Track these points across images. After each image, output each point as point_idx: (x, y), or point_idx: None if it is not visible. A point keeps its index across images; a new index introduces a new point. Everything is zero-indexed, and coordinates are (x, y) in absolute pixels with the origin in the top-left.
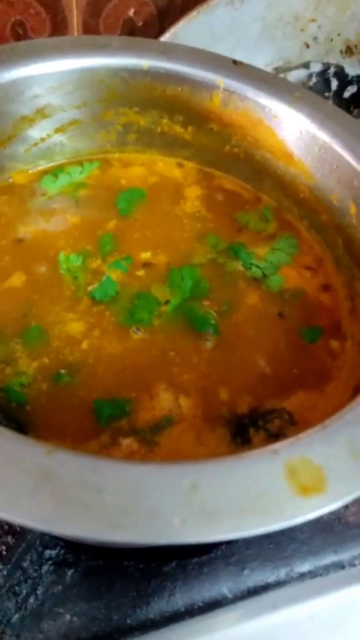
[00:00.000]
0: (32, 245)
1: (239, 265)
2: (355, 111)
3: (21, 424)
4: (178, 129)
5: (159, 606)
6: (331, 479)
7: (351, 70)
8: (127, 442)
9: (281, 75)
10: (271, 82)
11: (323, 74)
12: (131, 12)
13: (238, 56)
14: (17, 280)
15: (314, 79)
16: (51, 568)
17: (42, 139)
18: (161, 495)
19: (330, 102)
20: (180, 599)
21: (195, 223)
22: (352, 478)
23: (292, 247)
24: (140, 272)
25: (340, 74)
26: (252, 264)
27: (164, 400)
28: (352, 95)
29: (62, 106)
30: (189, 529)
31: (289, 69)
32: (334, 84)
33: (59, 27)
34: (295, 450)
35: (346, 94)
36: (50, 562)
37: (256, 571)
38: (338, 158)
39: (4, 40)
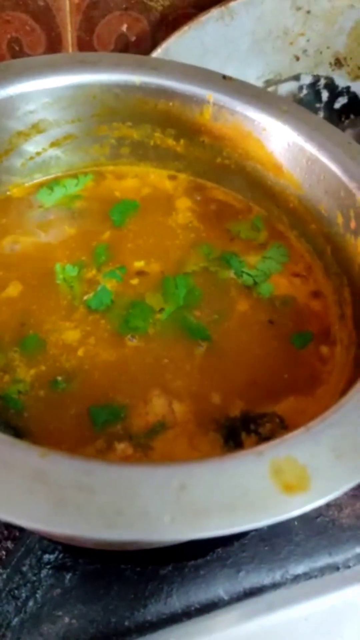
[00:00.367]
0: (29, 257)
1: (230, 274)
2: (347, 121)
3: (18, 431)
4: (170, 142)
5: (156, 608)
6: (315, 477)
7: (341, 82)
8: (122, 447)
9: (272, 87)
10: (259, 96)
11: (313, 86)
12: (124, 27)
13: (229, 70)
14: (13, 290)
15: (304, 91)
16: (50, 572)
17: (38, 153)
18: (152, 495)
19: (321, 114)
20: (177, 601)
21: (187, 233)
22: (335, 477)
23: (283, 256)
24: (135, 281)
25: (331, 85)
26: (243, 272)
27: (158, 406)
28: (343, 106)
29: (57, 121)
30: (179, 526)
31: (280, 82)
32: (325, 95)
33: (54, 43)
34: (280, 450)
35: (337, 105)
36: (49, 566)
37: (252, 573)
38: (325, 169)
39: (0, 56)
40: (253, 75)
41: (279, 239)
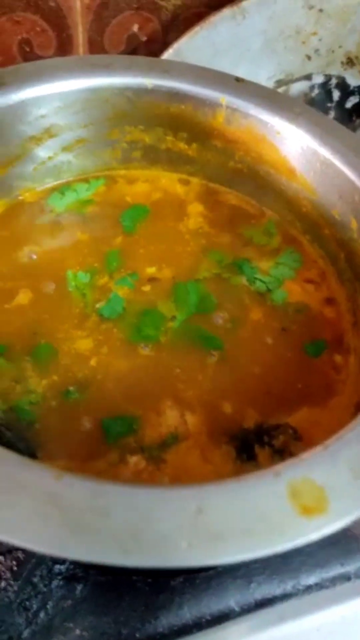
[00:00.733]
0: (41, 263)
1: (243, 280)
2: (358, 121)
3: (30, 443)
4: (182, 145)
5: (167, 620)
6: (333, 499)
7: (352, 81)
8: (134, 460)
9: (283, 87)
10: (273, 98)
11: (325, 86)
12: (135, 27)
13: (240, 70)
14: (23, 297)
15: (316, 90)
16: (61, 583)
17: (50, 158)
18: (168, 519)
19: (332, 114)
20: (188, 613)
21: (199, 238)
22: (353, 498)
23: (296, 262)
24: (146, 288)
25: (342, 85)
26: (256, 278)
27: (170, 417)
28: (354, 106)
29: (69, 125)
30: (196, 552)
31: (291, 81)
32: (336, 94)
33: (64, 44)
34: (297, 471)
35: (348, 105)
36: (60, 577)
37: (263, 584)
38: (339, 173)
39: (11, 57)
40: (264, 75)
41: (292, 244)
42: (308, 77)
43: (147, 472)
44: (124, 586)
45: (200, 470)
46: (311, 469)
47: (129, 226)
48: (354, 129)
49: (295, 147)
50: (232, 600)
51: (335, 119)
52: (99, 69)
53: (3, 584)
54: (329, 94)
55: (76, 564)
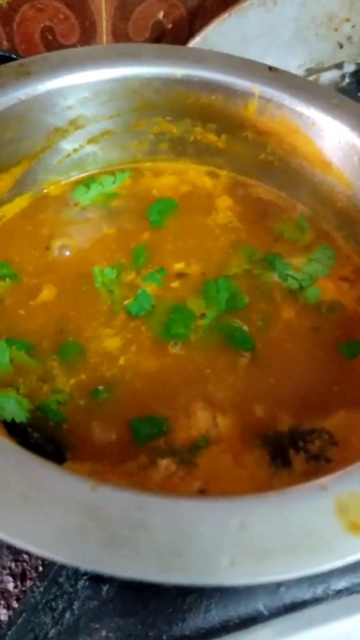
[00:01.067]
0: (66, 258)
1: (274, 277)
2: None
3: (59, 444)
4: (211, 137)
5: (194, 622)
6: None
7: None
8: (165, 464)
9: (314, 76)
10: (308, 89)
11: (357, 74)
12: (160, 14)
13: (270, 58)
14: (48, 293)
15: (347, 80)
16: (87, 583)
17: (75, 150)
18: (210, 534)
19: None
20: (216, 615)
21: (228, 232)
22: None
23: (330, 258)
24: (175, 284)
25: None
26: (288, 275)
27: (201, 419)
28: None
29: (95, 117)
30: (239, 570)
31: (322, 70)
32: None
33: (88, 31)
34: (344, 485)
35: None
36: (85, 577)
37: (293, 588)
38: None
39: (33, 45)
40: (294, 64)
41: (325, 240)
42: (339, 65)
43: (177, 477)
44: (151, 587)
45: (233, 475)
46: (359, 483)
47: (157, 220)
48: None
49: (332, 139)
50: (260, 603)
51: None
52: (126, 58)
53: (29, 583)
54: None
55: None
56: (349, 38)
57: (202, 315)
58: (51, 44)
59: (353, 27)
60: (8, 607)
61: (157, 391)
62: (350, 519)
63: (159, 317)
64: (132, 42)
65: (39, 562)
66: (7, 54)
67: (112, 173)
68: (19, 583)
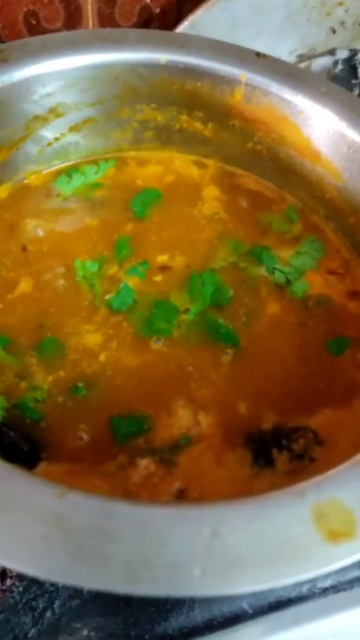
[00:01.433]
0: (46, 251)
1: (261, 270)
2: None
3: (35, 444)
4: (197, 125)
5: (177, 622)
6: None
7: None
8: (144, 463)
9: (305, 62)
10: (297, 76)
11: (350, 61)
12: None
13: (260, 44)
14: (26, 286)
15: (339, 66)
16: None
17: (56, 139)
18: (181, 543)
19: (356, 91)
20: (199, 614)
21: (215, 224)
22: None
23: (318, 251)
24: (158, 278)
25: None
26: (275, 268)
27: (183, 418)
28: None
29: (77, 104)
30: (210, 581)
31: (314, 56)
32: None
33: (73, 16)
34: (323, 491)
35: None
36: None
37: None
38: None
39: (17, 30)
40: (285, 50)
41: (314, 232)
42: (332, 51)
43: (157, 476)
44: None
45: (214, 475)
46: (339, 488)
47: (140, 212)
48: None
49: (321, 128)
50: (244, 602)
51: None
52: (109, 43)
53: (9, 582)
54: (353, 70)
55: None
56: (342, 23)
57: (186, 310)
58: (35, 29)
59: (346, 11)
60: None
61: (138, 388)
62: (329, 527)
63: (141, 312)
64: (118, 27)
65: None
66: None
67: (96, 162)
68: None
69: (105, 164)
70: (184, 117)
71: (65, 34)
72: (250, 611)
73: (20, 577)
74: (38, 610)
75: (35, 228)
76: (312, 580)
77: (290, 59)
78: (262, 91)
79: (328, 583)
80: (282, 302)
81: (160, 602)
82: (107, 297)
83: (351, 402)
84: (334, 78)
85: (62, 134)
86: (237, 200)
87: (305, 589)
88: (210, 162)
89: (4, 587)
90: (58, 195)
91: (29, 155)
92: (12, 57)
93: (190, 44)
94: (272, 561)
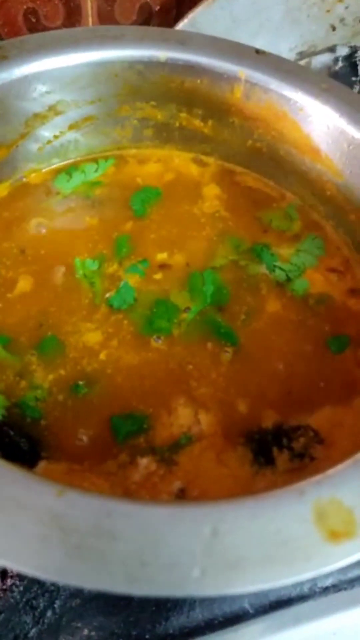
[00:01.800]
0: (46, 249)
1: (262, 269)
2: None
3: (34, 442)
4: (197, 123)
5: (178, 621)
6: None
7: None
8: (144, 462)
9: (305, 60)
10: (297, 73)
11: (350, 58)
12: None
13: (260, 41)
14: (25, 284)
15: (340, 63)
16: None
17: (56, 137)
18: (180, 543)
19: (357, 88)
20: (200, 614)
21: (215, 222)
22: None
23: (318, 249)
24: (158, 276)
25: None
26: (275, 266)
27: (183, 416)
28: None
29: (76, 102)
30: (210, 581)
31: (314, 54)
32: None
33: (72, 13)
34: (324, 490)
35: None
36: None
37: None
38: None
39: (17, 28)
40: (285, 47)
41: (314, 230)
42: (332, 49)
43: (157, 476)
44: None
45: (214, 474)
46: (339, 488)
47: (140, 210)
48: None
49: (320, 125)
50: (245, 601)
51: None
52: (108, 40)
53: (9, 582)
54: (354, 67)
55: None
56: (342, 20)
57: (186, 309)
58: (34, 27)
59: (346, 8)
60: None
61: (139, 387)
62: (329, 526)
63: (142, 310)
64: (118, 24)
65: None
66: None
67: (95, 160)
68: None
69: (104, 162)
70: (183, 115)
71: (64, 31)
72: (251, 610)
73: (21, 576)
74: (39, 610)
75: (34, 226)
76: (313, 580)
77: (290, 56)
78: (262, 88)
79: (329, 582)
80: (282, 300)
81: (161, 602)
82: (107, 295)
83: (351, 400)
84: (334, 75)
85: (61, 132)
86: (237, 198)
87: (306, 588)
88: (210, 160)
89: (4, 587)
90: (58, 193)
91: (28, 153)
92: (11, 55)
93: (190, 41)
94: (272, 561)
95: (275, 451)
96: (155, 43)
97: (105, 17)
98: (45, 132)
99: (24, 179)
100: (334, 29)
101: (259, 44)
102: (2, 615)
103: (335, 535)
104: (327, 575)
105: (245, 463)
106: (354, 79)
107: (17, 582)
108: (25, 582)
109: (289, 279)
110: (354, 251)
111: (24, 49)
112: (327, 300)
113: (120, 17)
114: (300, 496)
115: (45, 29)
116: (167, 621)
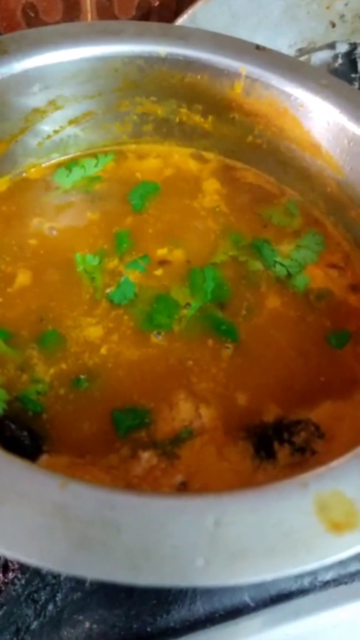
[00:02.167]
0: (46, 244)
1: (262, 264)
2: None
3: (36, 436)
4: (197, 118)
5: (179, 614)
6: None
7: None
8: (146, 456)
9: (305, 56)
10: (297, 68)
11: (349, 55)
12: None
13: (259, 38)
14: (24, 278)
15: (339, 60)
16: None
17: (56, 132)
18: (184, 534)
19: (356, 85)
20: (201, 607)
21: (215, 217)
22: None
23: (319, 244)
24: (159, 272)
25: None
26: (276, 262)
27: (184, 411)
28: None
29: (76, 97)
30: (213, 571)
31: (314, 50)
32: None
33: (71, 8)
34: (325, 482)
35: None
36: None
37: (279, 579)
38: None
39: (15, 23)
40: (284, 44)
41: (314, 226)
42: (331, 45)
43: (159, 469)
44: None
45: (215, 468)
46: (341, 480)
47: (138, 205)
48: None
49: (321, 121)
50: (246, 594)
51: None
52: (108, 35)
53: (11, 575)
54: (353, 64)
55: None
56: (342, 16)
57: (187, 305)
58: (33, 22)
59: (346, 4)
60: None
61: (139, 382)
62: (331, 518)
63: (142, 306)
64: (117, 20)
65: None
66: None
67: (95, 155)
68: (0, 575)
69: (104, 157)
70: (183, 110)
71: (64, 25)
72: (251, 604)
73: (23, 569)
74: (40, 603)
75: (34, 221)
76: (313, 573)
77: (290, 52)
78: (262, 84)
79: (329, 576)
80: (282, 296)
81: (162, 595)
82: (107, 290)
83: (352, 395)
84: (334, 72)
85: (61, 127)
86: (238, 193)
87: (306, 582)
88: (210, 156)
89: (6, 580)
90: (57, 188)
91: (28, 148)
92: (11, 49)
93: (190, 36)
94: (274, 552)
95: (276, 445)
96: (155, 38)
97: (104, 12)
98: (45, 127)
99: (24, 174)
100: (333, 25)
101: (258, 40)
102: (4, 608)
103: (337, 527)
104: (327, 569)
105: (246, 457)
106: (353, 75)
107: (19, 575)
108: (26, 575)
109: (289, 275)
110: (354, 247)
111: (23, 44)
112: (327, 296)
113: (119, 12)
114: (302, 488)
115: (44, 24)
116: (168, 614)
